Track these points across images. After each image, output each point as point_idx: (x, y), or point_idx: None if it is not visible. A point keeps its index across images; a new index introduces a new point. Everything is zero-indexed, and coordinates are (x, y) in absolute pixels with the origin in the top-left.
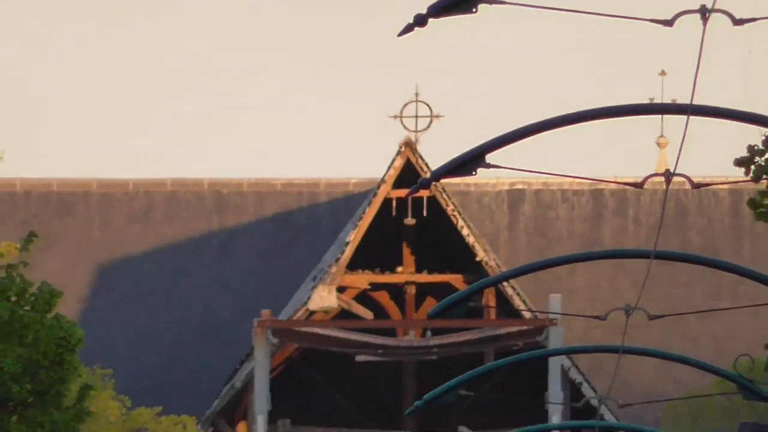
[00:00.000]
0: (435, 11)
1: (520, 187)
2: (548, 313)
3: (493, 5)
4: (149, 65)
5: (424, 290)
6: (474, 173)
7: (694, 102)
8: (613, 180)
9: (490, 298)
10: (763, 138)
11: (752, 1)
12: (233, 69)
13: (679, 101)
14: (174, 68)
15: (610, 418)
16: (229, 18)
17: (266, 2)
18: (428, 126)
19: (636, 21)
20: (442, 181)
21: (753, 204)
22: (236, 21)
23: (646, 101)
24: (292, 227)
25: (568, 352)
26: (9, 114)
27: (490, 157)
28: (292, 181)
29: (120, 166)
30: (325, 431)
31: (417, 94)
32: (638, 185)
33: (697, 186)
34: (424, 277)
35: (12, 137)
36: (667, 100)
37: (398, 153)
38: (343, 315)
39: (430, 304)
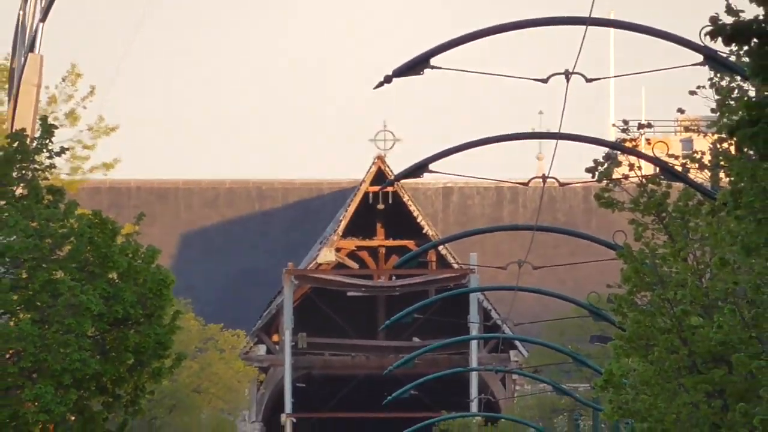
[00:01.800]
0: (397, 74)
1: (450, 185)
2: (469, 265)
3: (433, 70)
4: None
5: (390, 251)
6: (421, 176)
7: (562, 131)
8: (509, 181)
9: (432, 256)
10: (604, 155)
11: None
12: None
13: (553, 130)
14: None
15: (508, 331)
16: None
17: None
18: (392, 146)
19: (520, 79)
20: (402, 181)
21: (597, 197)
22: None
23: (530, 130)
24: (306, 211)
25: (481, 290)
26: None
27: (432, 166)
28: (305, 180)
29: (191, 169)
30: (327, 341)
31: (385, 125)
32: (525, 184)
33: (562, 184)
34: (390, 243)
35: (126, 146)
36: (544, 130)
37: (373, 163)
38: (338, 266)
39: (394, 260)
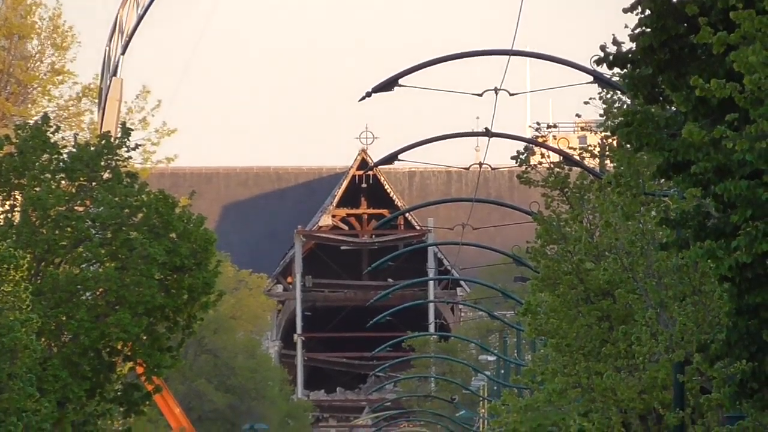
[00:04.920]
0: (375, 90)
1: (413, 170)
2: (427, 227)
3: (401, 87)
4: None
5: (371, 217)
6: (393, 163)
7: (493, 130)
8: (455, 167)
9: (401, 220)
10: (523, 147)
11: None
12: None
13: (491, 126)
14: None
15: (455, 274)
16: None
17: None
18: (372, 142)
19: (461, 93)
20: (379, 167)
21: (519, 177)
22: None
23: (469, 131)
24: (311, 188)
25: (436, 244)
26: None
27: (401, 156)
28: (310, 167)
29: (229, 158)
30: (326, 281)
31: (366, 127)
32: (467, 168)
33: (494, 168)
34: (371, 211)
35: (182, 143)
36: (481, 130)
37: (359, 154)
38: (334, 228)
39: (373, 223)
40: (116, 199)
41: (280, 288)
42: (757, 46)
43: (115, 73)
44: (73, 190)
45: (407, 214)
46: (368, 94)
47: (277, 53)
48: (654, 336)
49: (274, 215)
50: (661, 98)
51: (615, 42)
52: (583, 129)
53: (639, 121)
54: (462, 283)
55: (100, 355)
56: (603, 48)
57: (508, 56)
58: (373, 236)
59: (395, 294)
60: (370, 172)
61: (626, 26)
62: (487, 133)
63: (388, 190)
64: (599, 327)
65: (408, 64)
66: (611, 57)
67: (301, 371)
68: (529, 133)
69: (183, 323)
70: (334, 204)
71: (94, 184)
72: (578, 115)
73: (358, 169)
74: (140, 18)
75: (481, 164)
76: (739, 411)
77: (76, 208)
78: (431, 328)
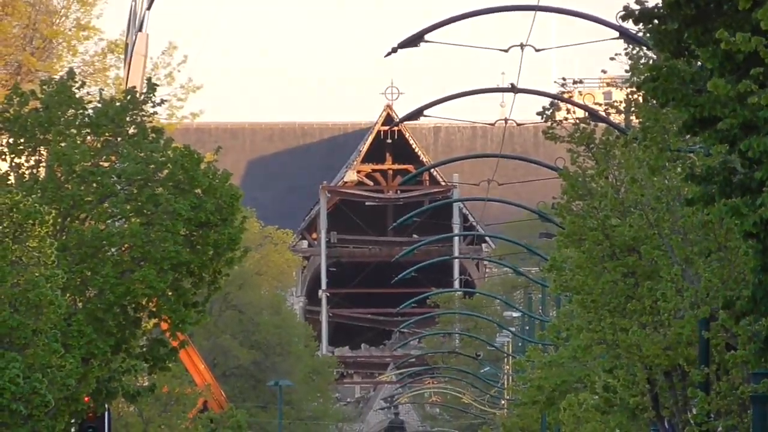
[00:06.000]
0: (401, 46)
1: (438, 125)
2: (452, 183)
3: (427, 43)
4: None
5: (396, 172)
6: (418, 119)
7: (519, 86)
8: (481, 122)
9: (426, 176)
10: (549, 103)
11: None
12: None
13: (517, 82)
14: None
15: (480, 230)
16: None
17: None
18: (397, 98)
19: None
20: (404, 123)
21: (544, 132)
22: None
23: (495, 86)
24: (336, 144)
25: (461, 200)
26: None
27: (426, 112)
28: (335, 122)
29: (254, 113)
30: (351, 237)
31: (392, 82)
32: (492, 124)
33: (519, 124)
34: (396, 167)
35: (207, 97)
36: (507, 85)
37: (384, 109)
38: (359, 184)
39: (399, 179)
40: (142, 154)
41: (305, 244)
42: None
43: (140, 29)
44: (99, 146)
45: (432, 170)
46: (394, 50)
47: (304, 9)
48: (679, 292)
49: (299, 171)
50: (686, 53)
51: (638, 2)
52: (608, 85)
53: (665, 76)
54: (487, 239)
55: (125, 310)
56: (626, 7)
57: (534, 12)
58: (398, 192)
59: (420, 250)
60: (396, 128)
61: None
62: (513, 88)
63: (413, 146)
64: (624, 283)
65: (434, 20)
66: (637, 12)
67: (326, 327)
68: (554, 89)
69: (208, 279)
70: (359, 160)
71: (119, 139)
72: (604, 71)
73: (383, 124)
74: None
75: (506, 120)
76: (764, 368)
77: (101, 163)
78: (456, 284)
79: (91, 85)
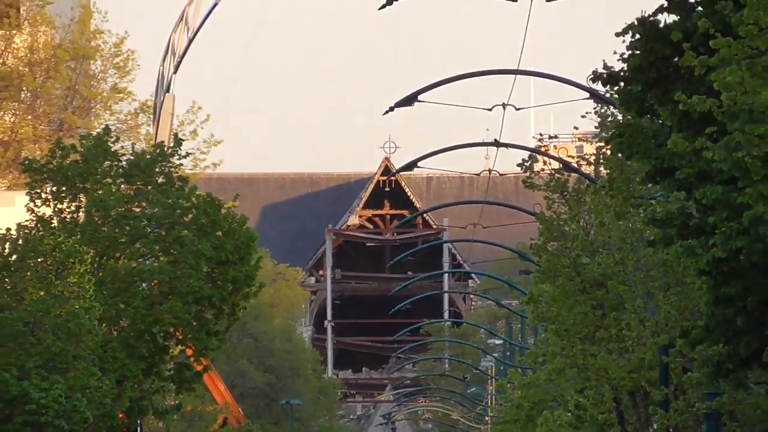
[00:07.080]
0: (397, 105)
1: (431, 176)
2: (442, 226)
3: (420, 103)
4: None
5: (393, 217)
6: (413, 170)
7: (500, 140)
8: (468, 172)
9: (419, 220)
10: (528, 156)
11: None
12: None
13: (499, 137)
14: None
15: (467, 268)
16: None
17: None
18: (394, 151)
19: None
20: (401, 173)
21: (524, 182)
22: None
23: (479, 141)
24: (341, 191)
25: (450, 242)
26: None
27: (420, 164)
28: (340, 172)
29: (268, 165)
30: (353, 274)
31: (389, 137)
32: (478, 174)
33: (502, 174)
34: (393, 212)
35: (228, 151)
36: (491, 140)
37: (383, 161)
38: (361, 227)
39: (395, 223)
40: (169, 201)
41: (312, 280)
42: (733, 68)
43: (168, 90)
44: (131, 193)
45: (425, 215)
46: (391, 109)
47: (311, 72)
48: (642, 322)
49: (307, 215)
50: (649, 112)
51: (606, 68)
52: (580, 139)
53: (630, 132)
54: (473, 275)
55: (154, 338)
56: (595, 71)
57: (514, 75)
58: (395, 234)
59: (414, 285)
60: (393, 178)
61: (615, 52)
62: (496, 143)
63: (408, 194)
64: (594, 314)
65: (427, 82)
66: (605, 75)
67: (331, 353)
68: (533, 143)
69: (228, 311)
70: (361, 206)
71: (149, 187)
72: (576, 127)
73: (382, 175)
74: (190, 41)
75: (490, 171)
76: (716, 388)
77: (133, 208)
78: (446, 316)
79: (125, 140)
